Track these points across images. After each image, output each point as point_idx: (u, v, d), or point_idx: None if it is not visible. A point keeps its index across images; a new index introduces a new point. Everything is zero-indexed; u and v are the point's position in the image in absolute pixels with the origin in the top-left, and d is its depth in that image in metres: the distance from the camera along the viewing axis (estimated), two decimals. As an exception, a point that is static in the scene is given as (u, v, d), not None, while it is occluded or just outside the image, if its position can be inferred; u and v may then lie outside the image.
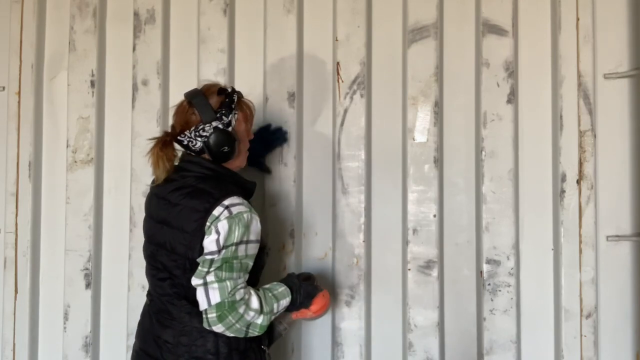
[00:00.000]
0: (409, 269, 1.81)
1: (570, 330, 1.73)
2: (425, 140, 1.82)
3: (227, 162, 1.42)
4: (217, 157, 1.39)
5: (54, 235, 2.05)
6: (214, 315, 1.28)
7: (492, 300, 1.78)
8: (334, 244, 1.85)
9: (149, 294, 1.48)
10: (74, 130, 2.02)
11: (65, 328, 2.01)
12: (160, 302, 1.40)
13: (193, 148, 1.40)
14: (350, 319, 1.84)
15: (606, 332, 1.74)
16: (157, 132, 1.95)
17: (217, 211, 1.30)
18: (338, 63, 1.88)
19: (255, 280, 1.44)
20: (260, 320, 1.33)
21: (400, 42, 1.86)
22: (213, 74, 1.93)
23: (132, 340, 1.92)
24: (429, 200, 1.81)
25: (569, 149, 1.75)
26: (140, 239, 1.93)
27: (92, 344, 1.99)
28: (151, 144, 1.41)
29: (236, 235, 1.29)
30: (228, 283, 1.28)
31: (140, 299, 1.93)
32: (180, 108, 1.42)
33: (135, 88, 1.99)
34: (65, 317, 2.01)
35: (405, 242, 1.82)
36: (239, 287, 1.30)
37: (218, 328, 1.29)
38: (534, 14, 1.80)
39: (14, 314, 2.04)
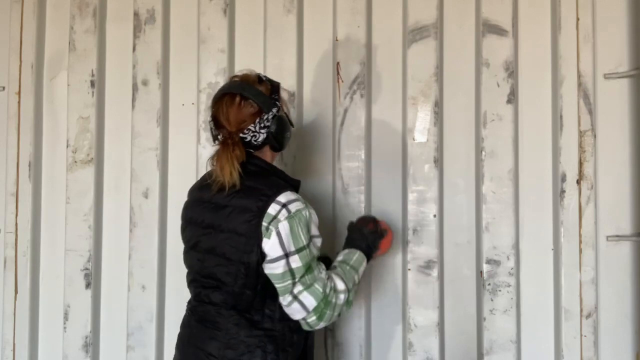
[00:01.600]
0: (409, 269, 1.81)
1: (570, 330, 1.73)
2: (425, 140, 1.82)
3: (276, 152, 1.37)
4: (282, 145, 1.35)
5: (54, 235, 2.05)
6: (314, 318, 1.26)
7: (492, 300, 1.78)
8: (334, 244, 1.84)
9: (189, 303, 1.40)
10: (74, 130, 2.02)
11: (65, 328, 2.01)
12: (204, 311, 1.32)
13: (255, 143, 1.30)
14: (350, 319, 1.84)
15: (606, 332, 1.74)
16: (157, 132, 1.96)
17: (273, 209, 1.23)
18: (338, 63, 1.88)
19: None
20: (349, 297, 1.32)
21: (400, 42, 1.86)
22: (213, 74, 1.93)
23: (132, 340, 1.95)
24: (429, 200, 1.81)
25: (569, 149, 1.75)
26: (140, 238, 1.96)
27: (92, 344, 1.99)
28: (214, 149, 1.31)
29: (303, 237, 1.24)
30: (317, 285, 1.26)
31: (140, 299, 1.94)
32: (231, 104, 1.30)
33: (135, 88, 1.99)
34: (65, 317, 2.01)
35: (405, 242, 1.82)
36: (324, 281, 1.28)
37: (320, 325, 1.28)
38: (534, 14, 1.80)
39: (14, 314, 2.04)
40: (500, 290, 1.77)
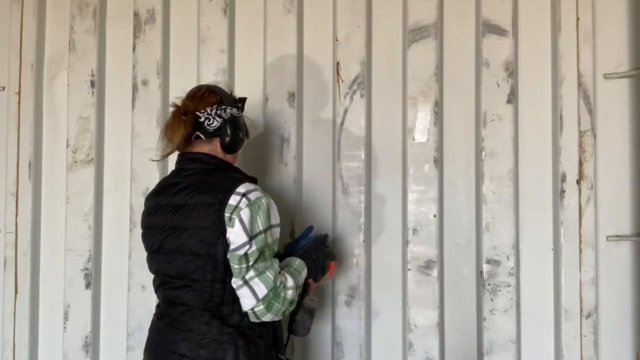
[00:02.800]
0: (409, 269, 1.81)
1: (570, 330, 1.73)
2: (425, 140, 1.82)
3: (231, 154, 1.42)
4: (230, 141, 1.38)
5: (54, 235, 2.05)
6: (262, 307, 1.27)
7: (492, 300, 1.78)
8: (334, 244, 1.84)
9: (158, 307, 1.43)
10: (74, 130, 2.02)
11: (65, 328, 2.01)
12: (175, 313, 1.34)
13: (208, 127, 1.36)
14: (350, 319, 1.84)
15: (606, 332, 1.74)
16: (157, 132, 1.95)
17: (233, 200, 1.27)
18: (338, 63, 1.88)
19: None
20: (295, 296, 1.34)
21: (400, 42, 1.86)
22: (213, 74, 1.93)
23: (132, 340, 1.95)
24: (429, 200, 1.81)
25: (569, 149, 1.75)
26: (140, 238, 1.94)
27: (92, 344, 1.99)
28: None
29: (261, 223, 1.28)
30: (268, 273, 1.28)
31: (140, 299, 1.94)
32: (197, 92, 1.41)
33: (135, 88, 1.99)
34: (65, 317, 2.01)
35: (405, 242, 1.82)
36: (276, 272, 1.30)
37: (267, 318, 1.29)
38: (534, 14, 1.80)
39: (14, 314, 2.04)
40: (500, 290, 1.77)
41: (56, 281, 2.04)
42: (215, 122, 1.37)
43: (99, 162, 2.02)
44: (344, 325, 1.85)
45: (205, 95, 1.39)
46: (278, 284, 1.29)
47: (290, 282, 1.33)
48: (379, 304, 1.85)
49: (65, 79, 2.05)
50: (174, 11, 2.01)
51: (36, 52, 2.07)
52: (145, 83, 1.98)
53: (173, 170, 1.43)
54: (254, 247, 1.26)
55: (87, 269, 1.99)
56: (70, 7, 2.04)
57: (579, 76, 1.75)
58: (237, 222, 1.26)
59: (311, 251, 1.49)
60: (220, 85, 1.56)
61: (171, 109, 1.42)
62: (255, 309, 1.27)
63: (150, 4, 1.99)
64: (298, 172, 1.88)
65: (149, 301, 1.94)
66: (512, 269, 1.77)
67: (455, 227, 1.82)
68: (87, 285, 1.99)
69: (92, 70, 2.02)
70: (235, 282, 1.28)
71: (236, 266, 1.27)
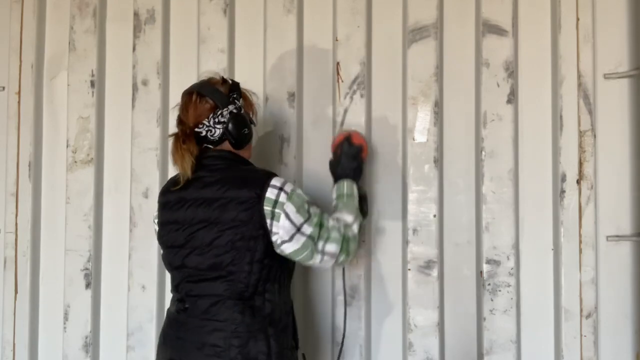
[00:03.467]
0: (409, 269, 1.81)
1: (570, 330, 1.73)
2: (425, 140, 1.82)
3: (244, 148, 1.44)
4: (238, 141, 1.41)
5: (54, 235, 2.05)
6: (343, 257, 1.39)
7: (492, 300, 1.77)
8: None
9: (178, 302, 1.40)
10: (74, 130, 2.02)
11: (65, 328, 2.01)
12: (205, 305, 1.34)
13: (212, 137, 1.39)
14: (350, 319, 1.84)
15: (606, 332, 1.74)
16: (157, 132, 1.96)
17: (271, 193, 1.32)
18: (338, 63, 1.88)
19: (288, 278, 1.47)
20: (361, 222, 1.49)
21: (400, 42, 1.86)
22: (213, 74, 1.93)
23: (132, 340, 1.95)
24: (429, 200, 1.81)
25: (569, 149, 1.75)
26: (140, 238, 1.96)
27: (92, 344, 1.99)
28: (168, 142, 1.44)
29: (306, 208, 1.35)
30: (333, 234, 1.37)
31: (140, 299, 1.94)
32: (189, 102, 1.41)
33: (135, 88, 1.99)
34: (65, 317, 2.01)
35: (405, 242, 1.82)
36: (336, 226, 1.39)
37: (350, 259, 1.42)
38: (534, 14, 1.80)
39: (14, 314, 2.04)
40: (500, 290, 1.77)
41: (56, 281, 2.04)
42: (217, 131, 1.39)
43: (99, 162, 2.02)
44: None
45: (198, 104, 1.39)
46: (343, 231, 1.40)
47: (349, 218, 1.45)
48: (379, 304, 1.85)
49: (65, 79, 2.05)
50: (174, 11, 2.01)
51: (36, 52, 2.07)
52: (145, 83, 1.98)
53: (197, 165, 1.39)
54: (311, 229, 1.34)
55: (87, 269, 2.00)
56: (70, 7, 2.04)
57: (579, 76, 1.75)
58: (282, 217, 1.31)
59: (346, 164, 1.58)
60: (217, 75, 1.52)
61: (170, 140, 1.42)
62: (340, 260, 1.39)
63: (150, 4, 1.99)
64: (298, 172, 1.88)
65: (149, 301, 1.94)
66: (512, 269, 1.77)
67: (455, 227, 1.82)
68: (87, 285, 1.99)
69: (92, 70, 2.02)
70: (314, 260, 1.36)
71: (304, 254, 1.34)
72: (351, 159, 1.59)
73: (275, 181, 1.34)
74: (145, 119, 1.97)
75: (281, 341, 1.35)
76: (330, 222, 1.40)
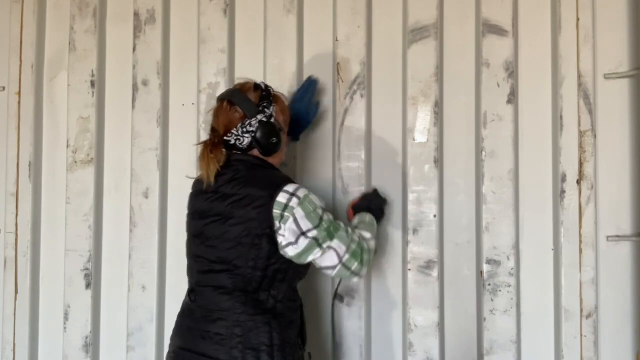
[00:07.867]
0: (409, 269, 1.81)
1: (570, 330, 1.73)
2: (425, 140, 1.82)
3: (272, 155, 1.47)
4: (266, 150, 1.43)
5: (54, 235, 2.05)
6: (356, 264, 1.39)
7: (492, 300, 1.78)
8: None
9: (191, 292, 1.46)
10: (74, 130, 2.03)
11: (65, 328, 2.01)
12: (211, 295, 1.39)
13: (240, 145, 1.43)
14: (350, 319, 1.84)
15: (606, 332, 1.74)
16: (157, 132, 1.96)
17: (282, 197, 1.33)
18: (338, 63, 1.88)
19: (297, 279, 1.48)
20: (375, 243, 1.50)
21: (400, 42, 1.86)
22: (213, 74, 1.93)
23: (132, 340, 1.95)
24: (429, 200, 1.81)
25: (569, 149, 1.75)
26: (140, 238, 1.96)
27: (92, 344, 1.99)
28: (199, 147, 1.45)
29: (317, 213, 1.36)
30: (340, 232, 1.38)
31: (140, 299, 1.94)
32: (220, 109, 1.45)
33: (135, 88, 1.99)
34: (65, 317, 2.01)
35: (405, 242, 1.82)
36: (346, 229, 1.40)
37: (363, 272, 1.41)
38: (534, 14, 1.80)
39: (14, 314, 2.04)
40: (500, 290, 1.77)
41: (56, 281, 2.04)
42: (245, 140, 1.42)
43: (99, 162, 2.02)
44: (344, 325, 1.85)
45: (228, 112, 1.43)
46: (354, 237, 1.40)
47: (366, 234, 1.47)
48: (379, 304, 1.85)
49: (65, 79, 2.05)
50: (174, 11, 2.01)
51: (36, 52, 2.07)
52: (145, 83, 1.98)
53: (224, 164, 1.43)
54: (317, 233, 1.34)
55: (87, 269, 2.00)
56: (70, 7, 2.04)
57: (579, 76, 1.75)
58: (290, 220, 1.33)
59: (372, 205, 1.66)
60: (229, 84, 1.54)
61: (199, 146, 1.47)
62: (352, 269, 1.38)
63: (150, 4, 1.99)
64: (298, 172, 1.88)
65: (149, 301, 1.95)
66: (512, 269, 1.77)
67: (455, 227, 1.82)
68: (87, 285, 1.99)
69: (92, 70, 2.02)
70: (315, 255, 1.36)
71: (308, 255, 1.35)
72: (377, 204, 1.68)
73: (289, 187, 1.35)
74: (145, 119, 1.97)
75: (284, 335, 1.37)
76: (343, 227, 1.41)
